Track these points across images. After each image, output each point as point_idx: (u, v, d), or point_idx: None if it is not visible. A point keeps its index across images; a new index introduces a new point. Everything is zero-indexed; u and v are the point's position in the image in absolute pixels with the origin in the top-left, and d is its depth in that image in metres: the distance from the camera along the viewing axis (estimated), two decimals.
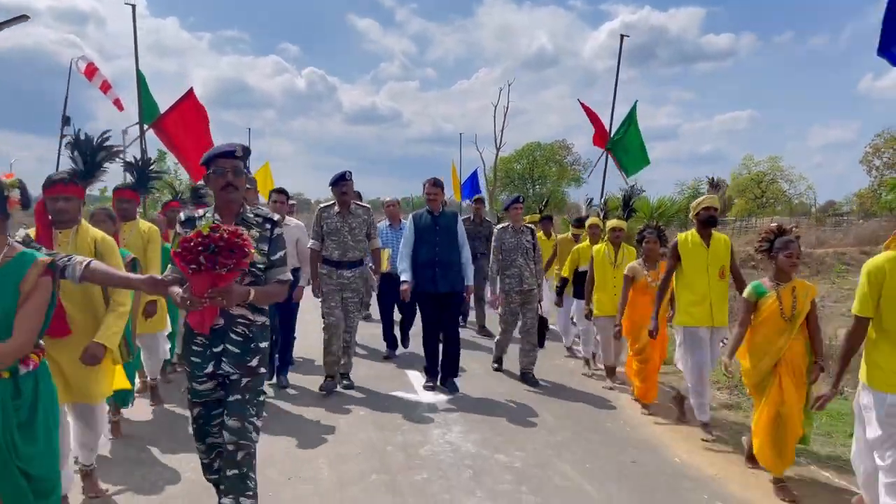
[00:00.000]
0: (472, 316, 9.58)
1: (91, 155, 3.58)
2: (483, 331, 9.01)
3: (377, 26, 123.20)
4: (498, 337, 6.93)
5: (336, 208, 5.84)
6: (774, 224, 4.32)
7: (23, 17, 9.33)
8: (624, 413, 5.62)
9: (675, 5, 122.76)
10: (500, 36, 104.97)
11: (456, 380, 6.16)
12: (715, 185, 5.47)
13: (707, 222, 4.99)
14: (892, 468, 3.05)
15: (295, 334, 6.46)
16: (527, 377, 6.48)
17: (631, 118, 9.41)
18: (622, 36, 9.91)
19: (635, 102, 9.67)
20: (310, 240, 5.96)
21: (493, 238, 6.65)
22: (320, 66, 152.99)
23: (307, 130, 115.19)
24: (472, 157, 48.50)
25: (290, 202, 7.56)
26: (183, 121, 7.78)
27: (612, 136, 9.32)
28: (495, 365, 7.00)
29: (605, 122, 9.51)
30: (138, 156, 4.72)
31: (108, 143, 3.68)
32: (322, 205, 6.05)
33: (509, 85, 46.33)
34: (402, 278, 6.05)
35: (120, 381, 3.88)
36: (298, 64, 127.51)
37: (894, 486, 3.04)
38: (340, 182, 5.75)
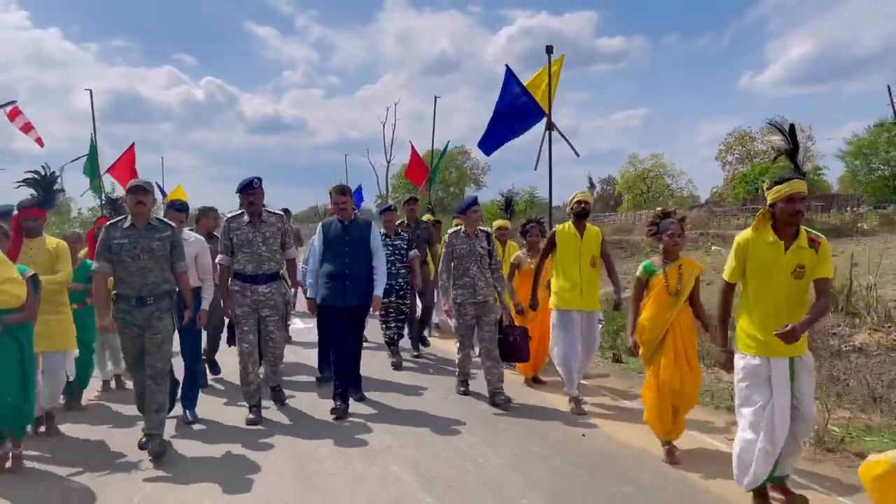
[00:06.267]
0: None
1: (47, 187, 4.88)
2: (422, 342, 8.19)
3: (277, 34, 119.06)
4: (457, 355, 6.08)
5: (245, 217, 5.35)
6: (660, 209, 4.73)
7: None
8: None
9: (570, 10, 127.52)
10: (402, 41, 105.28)
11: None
12: (592, 185, 6.17)
13: (580, 215, 5.50)
14: None
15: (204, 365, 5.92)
16: (496, 398, 5.64)
17: (444, 152, 15.43)
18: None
19: (448, 142, 16.98)
20: (218, 254, 5.45)
21: (444, 244, 6.03)
22: (218, 76, 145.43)
23: (208, 141, 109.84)
24: (369, 167, 48.71)
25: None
26: (125, 164, 13.08)
27: (433, 166, 14.72)
28: (461, 388, 6.12)
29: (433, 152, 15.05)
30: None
31: (58, 179, 4.99)
32: (229, 214, 5.54)
33: (396, 104, 47.73)
34: (308, 294, 5.74)
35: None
36: (195, 74, 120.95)
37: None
38: (247, 189, 5.26)
